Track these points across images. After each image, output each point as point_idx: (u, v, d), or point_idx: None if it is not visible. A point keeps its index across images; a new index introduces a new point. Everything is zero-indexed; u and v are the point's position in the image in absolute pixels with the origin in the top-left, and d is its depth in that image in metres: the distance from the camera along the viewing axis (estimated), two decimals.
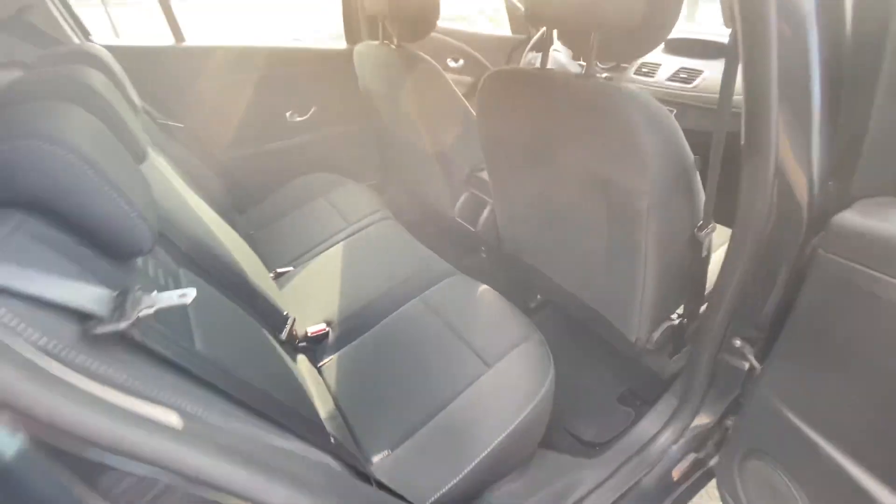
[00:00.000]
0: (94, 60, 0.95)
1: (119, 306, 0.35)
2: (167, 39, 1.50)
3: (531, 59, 1.86)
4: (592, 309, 1.06)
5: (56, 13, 1.28)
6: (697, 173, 0.81)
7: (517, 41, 2.04)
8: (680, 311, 1.01)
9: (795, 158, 0.58)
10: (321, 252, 1.31)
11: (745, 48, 0.56)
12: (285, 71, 1.68)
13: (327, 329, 1.04)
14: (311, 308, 1.11)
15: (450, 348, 0.93)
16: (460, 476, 0.73)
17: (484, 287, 1.06)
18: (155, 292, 0.39)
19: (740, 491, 0.77)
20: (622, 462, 0.92)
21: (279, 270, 1.26)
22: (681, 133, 0.73)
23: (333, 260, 1.27)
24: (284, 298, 1.09)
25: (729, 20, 0.59)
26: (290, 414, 0.54)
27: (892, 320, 0.46)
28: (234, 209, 1.48)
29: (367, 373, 0.96)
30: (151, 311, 0.36)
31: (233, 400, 0.44)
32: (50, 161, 0.41)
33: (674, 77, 1.51)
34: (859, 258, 0.49)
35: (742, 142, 0.63)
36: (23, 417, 0.25)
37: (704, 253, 0.87)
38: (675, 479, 0.94)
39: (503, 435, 0.76)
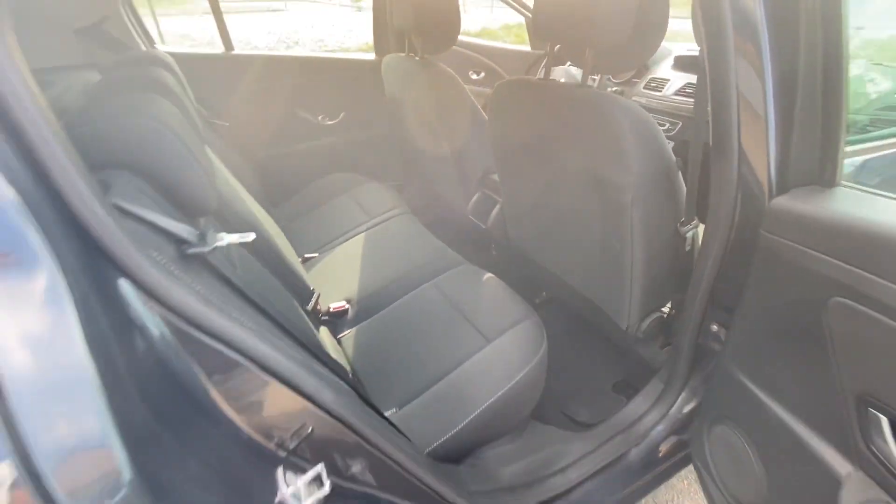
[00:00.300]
0: (161, 64, 1.11)
1: (201, 238, 0.48)
2: (218, 48, 1.68)
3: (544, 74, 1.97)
4: (588, 299, 1.15)
5: (128, 23, 1.47)
6: (680, 174, 0.90)
7: (535, 56, 2.17)
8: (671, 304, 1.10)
9: (755, 159, 0.67)
10: (344, 241, 1.44)
11: (710, 64, 0.67)
12: (319, 78, 1.84)
13: (347, 306, 1.17)
14: (333, 288, 1.24)
15: (455, 326, 1.04)
16: (456, 430, 0.83)
17: (489, 275, 1.17)
18: (223, 233, 0.51)
19: (708, 457, 0.85)
20: (609, 437, 1.00)
21: (306, 256, 1.39)
22: (662, 137, 0.84)
23: (355, 248, 1.39)
24: (310, 279, 1.22)
25: (698, 40, 0.69)
26: (321, 352, 0.66)
27: (815, 288, 0.55)
28: (268, 202, 1.64)
29: (380, 345, 1.07)
30: (224, 243, 0.48)
31: (278, 328, 0.56)
32: (156, 135, 0.55)
33: (680, 92, 1.60)
34: (788, 235, 0.58)
35: (711, 145, 0.73)
36: (161, 305, 0.38)
37: (688, 247, 0.96)
38: (659, 455, 1.02)
39: (495, 397, 0.86)
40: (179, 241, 0.47)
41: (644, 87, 1.74)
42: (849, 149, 0.64)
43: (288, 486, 0.43)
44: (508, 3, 1.96)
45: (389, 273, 1.25)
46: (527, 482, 0.88)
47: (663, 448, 1.02)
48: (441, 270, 1.22)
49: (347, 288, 1.23)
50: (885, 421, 0.51)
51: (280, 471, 0.44)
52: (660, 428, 1.02)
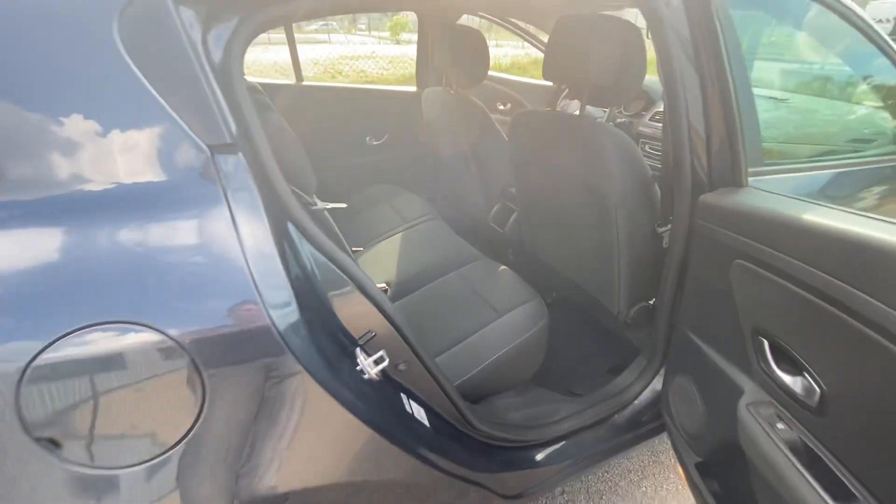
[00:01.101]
0: (256, 91, 1.44)
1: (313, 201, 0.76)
2: (291, 79, 2.05)
3: (563, 105, 2.26)
4: (587, 291, 1.39)
5: None
6: (656, 184, 1.15)
7: (555, 90, 2.46)
8: None
9: (698, 171, 0.91)
10: (384, 239, 1.72)
11: (667, 97, 0.92)
12: (369, 106, 2.18)
13: (387, 287, 1.44)
14: (374, 273, 1.51)
15: (473, 303, 1.29)
16: (473, 372, 1.07)
17: (503, 266, 1.42)
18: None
19: (671, 405, 1.05)
20: (598, 402, 1.21)
21: (353, 249, 1.68)
22: (639, 155, 1.08)
23: (393, 244, 1.67)
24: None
25: (661, 79, 0.95)
26: None
27: (724, 255, 0.78)
28: None
29: (413, 318, 1.33)
30: (329, 206, 0.76)
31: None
32: (281, 132, 0.84)
33: None
34: (709, 220, 0.81)
35: (672, 163, 0.98)
36: (308, 239, 0.65)
37: (665, 245, 1.19)
38: (642, 420, 1.22)
39: (503, 351, 1.10)
40: (307, 203, 0.75)
41: (650, 119, 2.00)
42: (766, 168, 0.89)
43: (365, 358, 0.69)
44: (533, 44, 2.27)
45: (421, 264, 1.52)
46: (527, 426, 1.10)
47: (647, 414, 1.22)
48: (464, 263, 1.48)
49: (387, 274, 1.50)
50: (766, 344, 0.73)
51: (359, 350, 0.70)
52: (643, 397, 1.22)
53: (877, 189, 1.06)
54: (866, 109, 1.34)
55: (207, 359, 0.52)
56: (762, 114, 0.95)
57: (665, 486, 1.39)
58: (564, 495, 1.36)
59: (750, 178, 0.87)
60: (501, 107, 2.50)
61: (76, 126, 0.49)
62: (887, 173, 1.12)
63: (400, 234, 1.74)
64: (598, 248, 1.25)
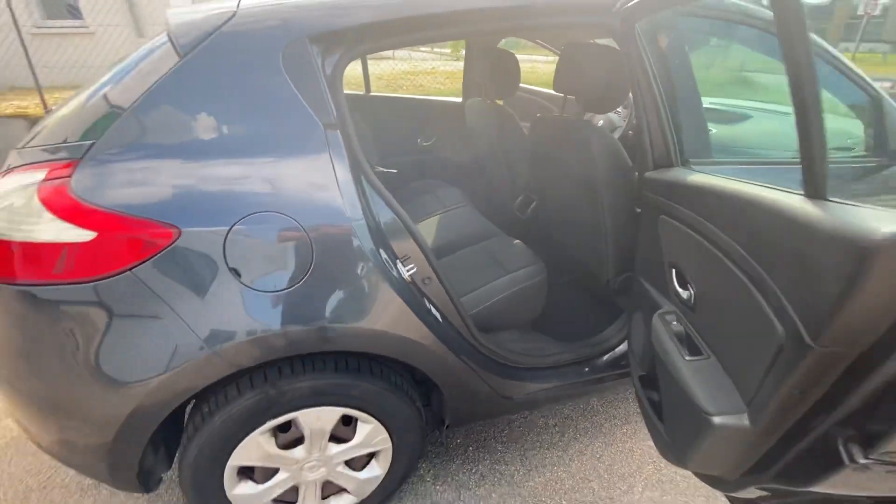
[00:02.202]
0: None
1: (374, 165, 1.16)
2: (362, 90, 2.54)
3: (589, 115, 2.57)
4: (584, 263, 1.70)
5: None
6: (636, 172, 1.46)
7: (563, 99, 2.78)
8: None
9: (650, 157, 1.22)
10: (427, 219, 2.12)
11: (636, 106, 1.24)
12: (421, 113, 2.62)
13: None
14: None
15: (489, 265, 1.64)
16: (478, 309, 1.43)
17: (517, 241, 1.77)
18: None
19: (631, 337, 1.35)
20: (582, 346, 1.52)
21: None
22: (619, 147, 1.40)
23: (433, 223, 2.07)
24: None
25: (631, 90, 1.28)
26: None
27: (654, 212, 1.08)
28: None
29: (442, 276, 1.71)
30: (383, 169, 1.16)
31: None
32: (357, 122, 1.26)
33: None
34: (647, 190, 1.13)
35: (638, 154, 1.29)
36: (377, 192, 1.06)
37: None
38: (620, 364, 1.51)
39: (508, 292, 1.45)
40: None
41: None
42: (708, 160, 1.19)
43: (402, 266, 1.08)
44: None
45: (452, 237, 1.89)
46: (522, 353, 1.43)
47: (624, 360, 1.51)
48: (487, 238, 1.84)
49: None
50: (674, 272, 1.03)
51: (398, 261, 1.09)
52: (622, 346, 1.52)
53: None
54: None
55: (315, 238, 0.93)
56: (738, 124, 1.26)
57: (643, 431, 1.65)
58: (556, 427, 1.67)
59: (694, 167, 1.18)
60: (538, 115, 2.85)
61: (260, 116, 0.93)
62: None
63: (439, 216, 2.13)
64: (592, 227, 1.57)
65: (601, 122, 2.49)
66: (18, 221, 0.86)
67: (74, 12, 8.76)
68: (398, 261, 1.09)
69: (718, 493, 1.42)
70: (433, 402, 1.35)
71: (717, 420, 0.81)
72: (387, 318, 1.04)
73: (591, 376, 1.47)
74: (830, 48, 1.48)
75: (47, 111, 1.29)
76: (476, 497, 1.41)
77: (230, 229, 0.89)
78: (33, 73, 5.29)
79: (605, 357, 1.52)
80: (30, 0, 8.42)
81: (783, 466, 0.81)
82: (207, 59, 0.92)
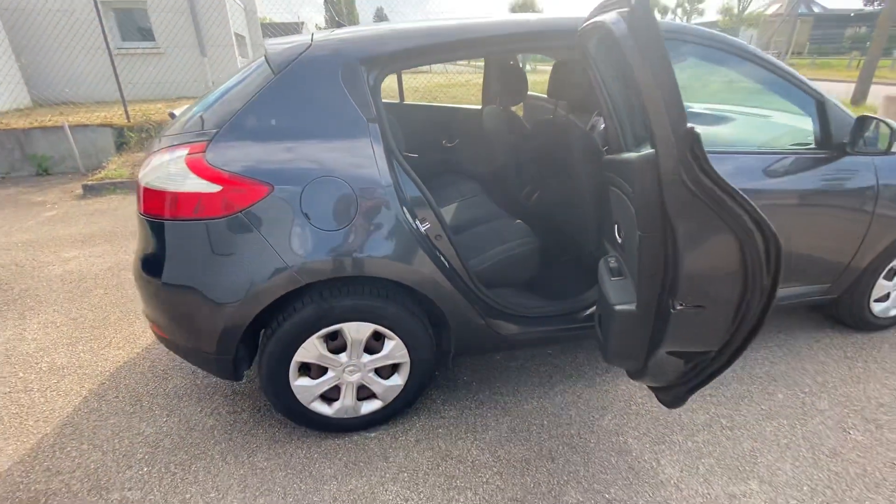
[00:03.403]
0: None
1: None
2: (396, 99, 3.01)
3: (595, 120, 2.93)
4: (575, 237, 2.06)
5: None
6: None
7: (555, 103, 3.13)
8: None
9: (615, 144, 1.59)
10: (448, 205, 2.53)
11: (604, 112, 1.62)
12: (447, 118, 3.05)
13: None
14: None
15: (495, 238, 2.03)
16: (480, 267, 1.81)
17: (519, 221, 2.15)
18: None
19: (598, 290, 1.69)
20: (567, 302, 1.87)
21: None
22: (593, 140, 1.77)
23: (451, 209, 2.47)
24: None
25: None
26: None
27: (607, 186, 1.45)
28: None
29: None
30: (407, 154, 1.57)
31: None
32: (390, 119, 1.69)
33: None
34: (605, 169, 1.49)
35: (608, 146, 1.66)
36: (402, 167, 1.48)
37: None
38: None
39: (504, 255, 1.84)
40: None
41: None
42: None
43: (421, 225, 1.49)
44: None
45: (469, 218, 2.30)
46: (515, 304, 1.80)
47: None
48: (495, 219, 2.24)
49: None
50: (616, 227, 1.39)
51: (417, 220, 1.50)
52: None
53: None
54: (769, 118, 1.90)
55: (359, 195, 1.36)
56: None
57: (620, 378, 1.97)
58: (546, 372, 2.02)
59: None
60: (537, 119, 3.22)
61: (325, 113, 1.37)
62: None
63: (458, 202, 2.54)
64: (578, 208, 1.93)
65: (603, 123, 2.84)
66: (172, 180, 1.34)
67: (147, 35, 9.90)
68: (416, 219, 1.50)
69: (671, 422, 1.73)
70: (443, 339, 1.74)
71: (617, 308, 1.17)
72: (406, 256, 1.45)
73: (568, 325, 1.82)
74: (780, 63, 1.80)
75: (172, 116, 1.81)
76: (475, 416, 1.79)
77: (304, 187, 1.33)
78: (120, 90, 6.14)
79: (584, 312, 1.87)
80: (111, 25, 9.59)
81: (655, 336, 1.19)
82: (293, 75, 1.38)
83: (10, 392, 1.95)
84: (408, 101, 3.06)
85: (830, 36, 31.91)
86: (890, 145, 1.70)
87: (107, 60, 6.03)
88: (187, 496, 1.48)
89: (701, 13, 45.63)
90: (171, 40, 9.53)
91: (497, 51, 1.65)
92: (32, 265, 3.18)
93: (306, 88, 1.38)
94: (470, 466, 1.57)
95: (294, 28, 13.63)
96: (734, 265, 1.05)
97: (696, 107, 2.79)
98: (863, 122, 1.72)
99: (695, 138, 0.94)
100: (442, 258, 1.55)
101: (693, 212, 1.03)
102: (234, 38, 10.63)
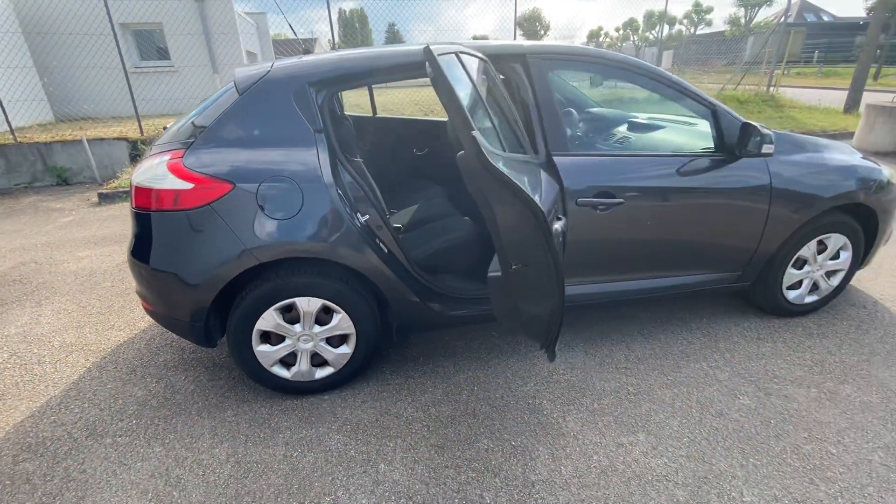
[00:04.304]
0: (344, 118, 2.69)
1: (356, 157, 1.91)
2: (369, 112, 3.35)
3: None
4: None
5: None
6: None
7: None
8: None
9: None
10: (412, 206, 2.84)
11: (539, 117, 1.92)
12: (417, 130, 3.38)
13: (402, 227, 2.54)
14: (398, 220, 2.63)
15: (439, 232, 2.32)
16: (423, 255, 2.11)
17: (467, 218, 2.44)
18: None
19: None
20: None
21: (391, 211, 2.82)
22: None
23: (415, 208, 2.77)
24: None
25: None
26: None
27: None
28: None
29: (407, 240, 2.41)
30: (359, 160, 1.91)
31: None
32: (347, 126, 2.01)
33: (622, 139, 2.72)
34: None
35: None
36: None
37: None
38: None
39: (439, 247, 2.13)
40: (351, 157, 1.89)
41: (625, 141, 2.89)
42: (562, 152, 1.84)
43: (362, 217, 1.79)
44: None
45: (424, 217, 2.60)
46: (452, 287, 2.09)
47: None
48: (448, 217, 2.53)
49: (403, 220, 2.61)
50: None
51: (358, 212, 1.80)
52: None
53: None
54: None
55: (304, 191, 1.67)
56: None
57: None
58: (485, 349, 2.30)
59: (554, 157, 1.84)
60: None
61: (280, 126, 1.70)
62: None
63: (418, 204, 2.85)
64: None
65: None
66: (157, 179, 1.67)
67: (164, 54, 10.53)
68: (357, 212, 1.81)
69: (584, 388, 2.00)
70: (389, 316, 2.03)
71: (490, 274, 1.46)
72: (345, 242, 1.75)
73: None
74: (673, 76, 2.09)
75: (165, 129, 2.16)
76: (416, 383, 2.07)
77: (260, 185, 1.65)
78: (134, 106, 6.63)
79: None
80: (130, 45, 10.22)
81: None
82: (253, 96, 1.72)
83: (25, 364, 2.29)
84: (386, 115, 3.40)
85: (839, 45, 31.83)
86: (759, 148, 1.96)
87: (124, 79, 6.54)
88: (166, 441, 1.78)
89: (709, 24, 45.92)
90: (185, 59, 10.13)
91: (406, 76, 1.88)
92: (49, 263, 3.56)
93: (264, 106, 1.71)
94: (404, 421, 1.85)
95: (307, 44, 14.24)
96: (528, 230, 1.34)
97: (641, 117, 3.07)
98: (745, 128, 1.99)
99: (474, 140, 1.24)
100: (381, 245, 1.85)
101: (490, 192, 1.32)
102: (245, 55, 11.22)
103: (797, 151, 2.21)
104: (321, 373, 1.97)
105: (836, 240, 2.33)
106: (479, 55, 1.86)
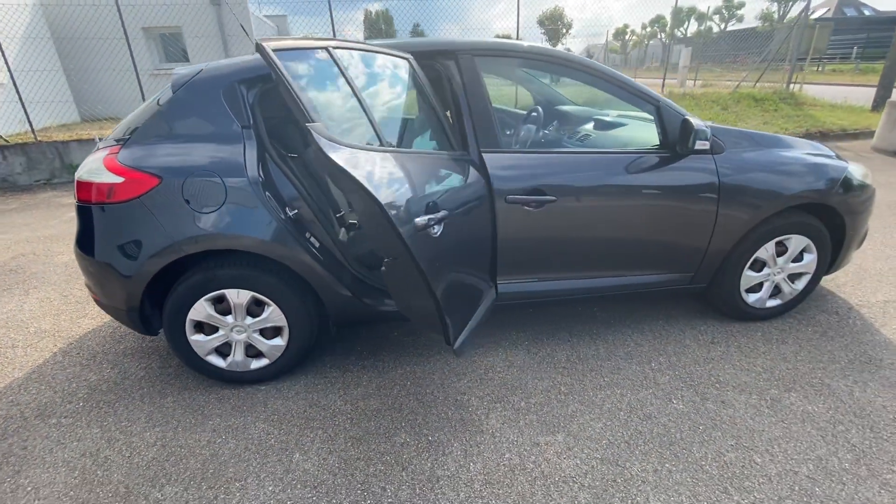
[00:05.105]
0: None
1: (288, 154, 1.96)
2: None
3: None
4: None
5: None
6: None
7: None
8: None
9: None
10: None
11: (471, 114, 1.92)
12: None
13: (356, 222, 2.57)
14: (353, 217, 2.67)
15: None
16: (362, 251, 2.14)
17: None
18: None
19: None
20: None
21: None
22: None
23: None
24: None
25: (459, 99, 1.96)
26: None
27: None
28: None
29: (356, 238, 2.44)
30: (292, 155, 1.95)
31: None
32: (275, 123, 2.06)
33: (582, 137, 2.68)
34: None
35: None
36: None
37: None
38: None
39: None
40: (282, 152, 1.94)
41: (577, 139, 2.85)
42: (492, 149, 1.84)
43: (290, 211, 1.84)
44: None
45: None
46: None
47: None
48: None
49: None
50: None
51: (286, 207, 1.85)
52: None
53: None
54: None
55: (228, 185, 1.72)
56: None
57: (488, 353, 2.23)
58: (425, 344, 2.31)
59: (484, 154, 1.84)
60: None
61: (207, 123, 1.76)
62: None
63: None
64: None
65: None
66: (95, 174, 1.75)
67: (185, 55, 10.93)
68: (285, 207, 1.85)
69: (516, 387, 1.98)
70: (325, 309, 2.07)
71: (382, 269, 1.47)
72: (269, 235, 1.79)
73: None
74: (619, 74, 2.05)
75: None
76: (353, 377, 2.10)
77: (186, 179, 1.71)
78: None
79: None
80: (153, 48, 10.65)
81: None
82: (186, 94, 1.78)
83: (0, 348, 2.44)
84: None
85: (877, 40, 30.08)
86: (693, 143, 1.90)
87: (146, 80, 6.84)
88: (105, 424, 1.87)
89: (740, 19, 44.26)
90: (203, 61, 10.47)
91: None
92: (46, 254, 3.77)
93: (195, 104, 1.77)
94: (329, 413, 1.88)
95: None
96: (383, 222, 1.34)
97: (611, 114, 3.01)
98: (685, 124, 1.93)
99: (308, 131, 1.27)
100: (312, 240, 1.89)
101: (339, 182, 1.30)
102: None
103: (752, 149, 2.13)
104: (257, 363, 2.02)
105: (797, 241, 2.23)
106: (399, 54, 1.88)
